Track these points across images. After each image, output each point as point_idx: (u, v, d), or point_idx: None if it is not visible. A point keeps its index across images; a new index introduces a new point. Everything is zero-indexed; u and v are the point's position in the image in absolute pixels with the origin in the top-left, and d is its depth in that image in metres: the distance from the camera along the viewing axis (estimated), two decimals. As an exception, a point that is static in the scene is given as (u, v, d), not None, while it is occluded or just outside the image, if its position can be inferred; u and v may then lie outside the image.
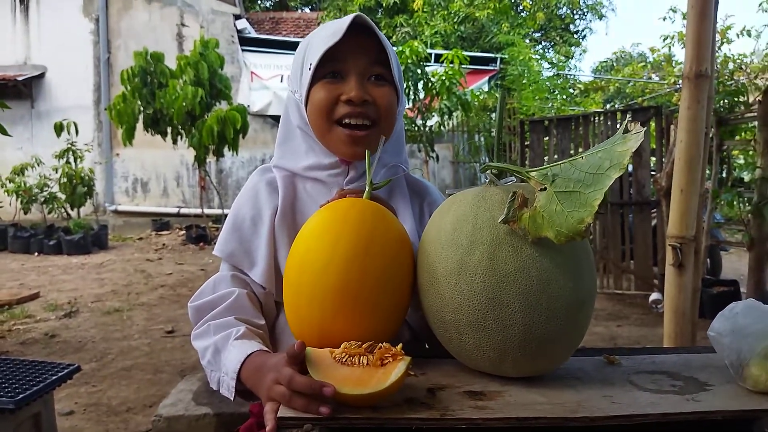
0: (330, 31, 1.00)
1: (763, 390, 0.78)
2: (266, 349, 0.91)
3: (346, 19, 0.98)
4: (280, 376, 0.76)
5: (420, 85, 7.68)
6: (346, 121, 1.02)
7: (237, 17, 11.74)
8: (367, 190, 0.94)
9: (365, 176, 1.02)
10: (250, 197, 1.10)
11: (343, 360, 0.76)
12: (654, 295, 5.18)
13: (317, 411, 0.71)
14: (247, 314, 1.00)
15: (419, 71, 7.59)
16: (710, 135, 4.01)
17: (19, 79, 10.77)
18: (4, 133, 2.78)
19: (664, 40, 8.45)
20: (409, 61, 7.39)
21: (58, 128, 8.70)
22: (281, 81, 11.00)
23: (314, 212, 0.97)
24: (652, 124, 5.54)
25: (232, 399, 0.90)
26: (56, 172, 9.14)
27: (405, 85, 7.62)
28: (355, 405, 0.73)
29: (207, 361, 0.95)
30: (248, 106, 9.71)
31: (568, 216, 0.72)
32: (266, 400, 0.79)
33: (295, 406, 0.74)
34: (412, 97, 7.75)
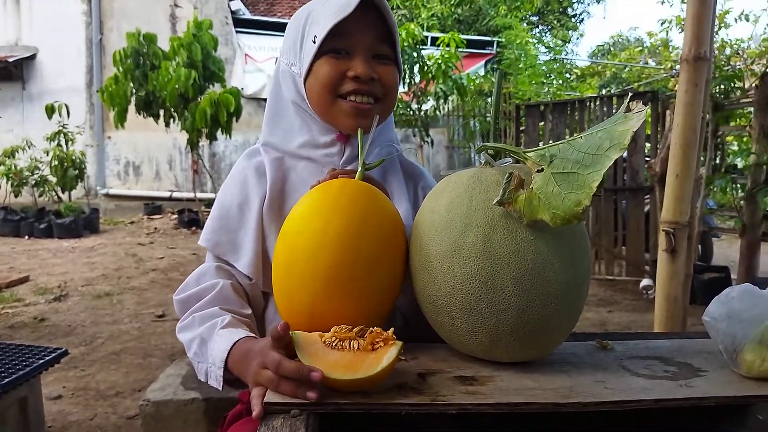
0: (336, 4, 0.97)
1: (757, 375, 0.77)
2: (253, 335, 0.89)
3: None
4: (267, 361, 0.75)
5: (416, 69, 7.62)
6: (351, 98, 1.00)
7: (230, -2, 11.59)
8: (359, 170, 0.92)
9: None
10: (237, 183, 1.06)
11: (334, 344, 0.75)
12: (645, 281, 5.19)
13: (305, 396, 0.70)
14: (232, 305, 0.98)
15: (415, 54, 7.52)
16: (706, 120, 4.00)
17: (10, 60, 10.61)
18: (-9, 113, 2.73)
19: (662, 24, 8.41)
20: (405, 44, 7.32)
21: (50, 110, 8.58)
22: (276, 63, 10.89)
23: (306, 189, 0.95)
24: (648, 110, 5.53)
25: (220, 389, 0.89)
26: (47, 155, 9.04)
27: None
28: (345, 390, 0.71)
29: (193, 352, 0.93)
30: (242, 89, 9.63)
31: (565, 198, 0.70)
32: (253, 386, 0.78)
33: (282, 391, 0.72)
34: (408, 80, 7.69)
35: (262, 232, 1.02)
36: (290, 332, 0.76)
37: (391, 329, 0.76)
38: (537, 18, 17.28)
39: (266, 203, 1.02)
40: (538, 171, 0.75)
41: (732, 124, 5.19)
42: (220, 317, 0.93)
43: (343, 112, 1.01)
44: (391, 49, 1.02)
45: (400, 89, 8.00)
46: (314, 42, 0.98)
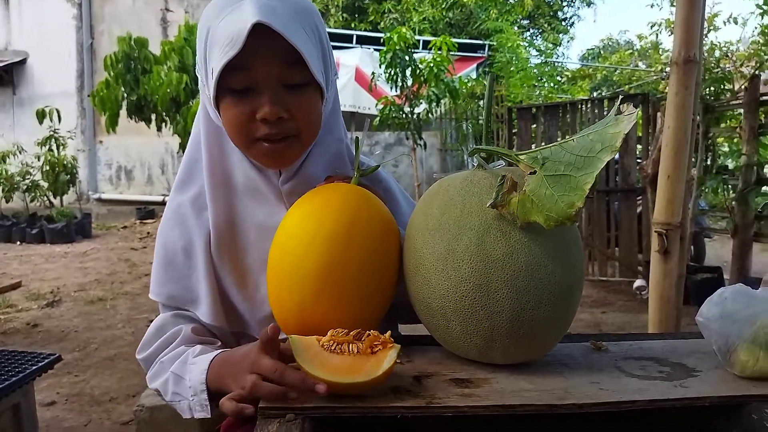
0: (226, 33, 0.81)
1: (750, 375, 0.78)
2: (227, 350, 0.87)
3: (245, 23, 0.78)
4: (262, 367, 0.73)
5: (408, 72, 7.64)
6: (265, 143, 0.88)
7: (222, 2, 11.57)
8: (355, 175, 0.93)
9: (300, 172, 0.95)
10: (176, 224, 0.96)
11: (333, 348, 0.74)
12: (638, 282, 5.22)
13: (300, 402, 0.70)
14: (198, 343, 0.93)
15: (407, 58, 7.54)
16: (697, 121, 4.03)
17: (0, 65, 10.56)
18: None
19: (652, 27, 8.46)
20: (397, 47, 7.35)
21: (41, 115, 8.55)
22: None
23: (254, 221, 0.93)
24: (639, 112, 5.56)
25: (210, 416, 0.85)
26: (39, 160, 9.00)
27: (393, 72, 7.59)
28: (346, 394, 0.71)
29: (171, 393, 0.88)
30: (234, 92, 9.59)
31: (558, 200, 0.71)
32: (238, 389, 0.76)
33: (283, 400, 0.71)
34: (400, 84, 7.70)
35: (214, 273, 0.94)
36: (287, 336, 0.75)
37: (388, 332, 0.76)
38: (528, 21, 17.35)
39: (213, 242, 0.94)
40: (530, 173, 0.75)
41: (722, 125, 5.23)
42: (189, 350, 0.89)
43: (261, 154, 0.90)
44: (304, 70, 0.84)
45: (392, 92, 8.03)
46: (212, 76, 0.84)
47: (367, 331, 0.76)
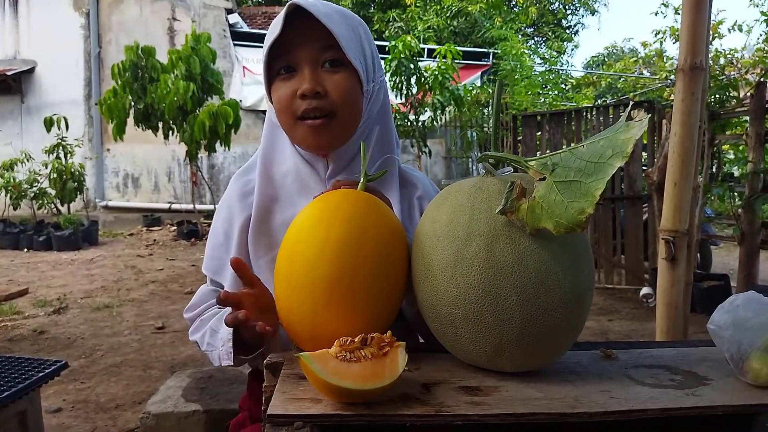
0: (273, 24, 0.95)
1: (763, 384, 0.77)
2: None
3: (284, 10, 0.92)
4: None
5: (413, 80, 7.66)
6: (306, 120, 0.97)
7: (229, 11, 11.65)
8: (361, 181, 0.92)
9: (347, 169, 1.00)
10: (224, 208, 1.09)
11: (348, 358, 0.74)
12: (645, 290, 5.19)
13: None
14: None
15: (412, 66, 7.57)
16: (703, 129, 4.02)
17: (9, 73, 10.65)
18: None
19: (656, 34, 8.46)
20: (402, 56, 7.38)
21: (48, 123, 8.60)
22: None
23: (296, 210, 0.96)
24: (645, 119, 5.53)
25: (232, 363, 0.93)
26: (46, 168, 9.05)
27: (398, 80, 7.61)
28: (373, 400, 0.70)
29: (206, 344, 0.98)
30: (240, 101, 9.65)
31: (568, 206, 0.70)
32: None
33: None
34: (405, 92, 7.72)
35: (245, 255, 1.03)
36: (297, 354, 0.74)
37: (389, 332, 0.76)
38: (532, 30, 17.40)
39: (252, 224, 1.03)
40: (540, 180, 0.75)
41: (728, 132, 5.21)
42: (224, 310, 0.98)
43: (301, 134, 0.98)
44: (340, 53, 0.95)
45: (397, 100, 8.05)
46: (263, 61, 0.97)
47: (369, 335, 0.76)
